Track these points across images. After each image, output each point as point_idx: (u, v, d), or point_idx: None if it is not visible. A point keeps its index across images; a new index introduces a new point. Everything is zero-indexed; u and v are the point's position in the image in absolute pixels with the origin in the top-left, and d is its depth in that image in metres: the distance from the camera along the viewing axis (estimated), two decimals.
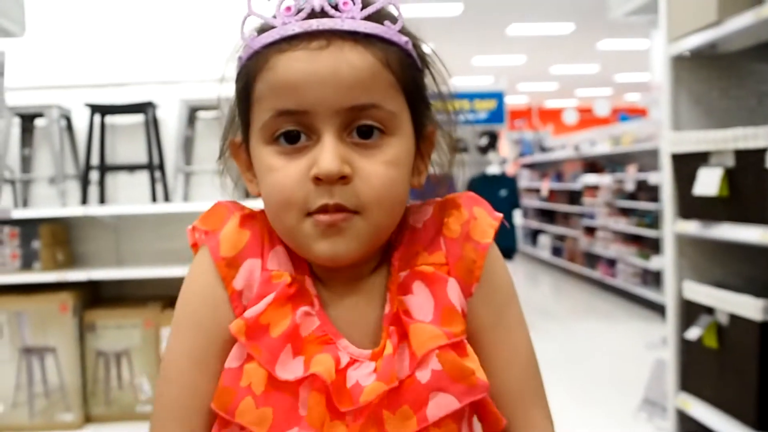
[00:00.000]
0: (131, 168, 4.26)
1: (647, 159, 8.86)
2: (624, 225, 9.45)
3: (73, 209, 4.04)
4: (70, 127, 4.28)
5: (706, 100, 3.27)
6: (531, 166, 14.79)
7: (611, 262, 9.98)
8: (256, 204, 1.08)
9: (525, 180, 14.63)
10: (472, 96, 9.58)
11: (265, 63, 0.94)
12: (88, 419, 3.95)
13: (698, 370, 3.10)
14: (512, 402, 1.02)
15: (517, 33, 13.61)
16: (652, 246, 8.65)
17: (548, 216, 13.60)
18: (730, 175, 2.77)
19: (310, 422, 0.94)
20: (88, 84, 4.33)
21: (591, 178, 10.64)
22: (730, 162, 2.76)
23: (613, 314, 8.91)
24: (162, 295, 4.21)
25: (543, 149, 14.36)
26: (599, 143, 10.90)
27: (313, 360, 0.95)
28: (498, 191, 8.31)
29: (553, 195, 12.92)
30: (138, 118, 4.25)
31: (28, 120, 4.26)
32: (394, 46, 0.96)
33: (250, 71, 0.97)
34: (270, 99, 0.94)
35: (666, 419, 3.59)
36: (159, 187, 4.21)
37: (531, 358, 1.05)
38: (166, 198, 4.22)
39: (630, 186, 9.16)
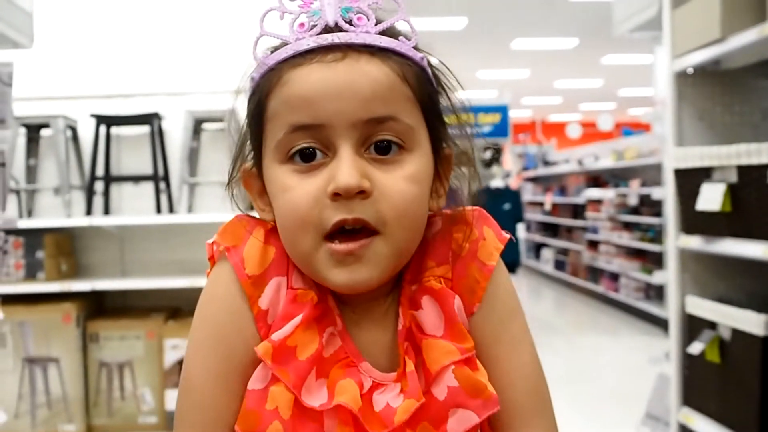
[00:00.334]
0: (136, 179, 4.27)
1: (650, 174, 8.87)
2: (627, 239, 9.46)
3: (78, 220, 4.06)
4: (75, 137, 4.30)
5: (709, 116, 3.28)
6: (534, 180, 14.80)
7: (614, 277, 9.97)
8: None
9: (528, 193, 14.64)
10: (476, 109, 9.57)
11: (279, 79, 0.92)
12: (90, 430, 3.96)
13: (701, 384, 3.10)
14: (517, 417, 1.01)
15: (522, 47, 13.64)
16: (655, 261, 8.65)
17: (551, 230, 13.60)
18: (733, 191, 2.77)
19: None
20: (94, 95, 4.35)
21: (594, 193, 10.65)
22: (733, 177, 2.77)
23: (616, 329, 8.89)
24: (165, 306, 4.22)
25: (546, 163, 14.37)
26: (603, 158, 10.92)
27: (337, 386, 0.93)
28: (501, 204, 8.33)
29: (557, 209, 12.93)
30: (143, 129, 4.27)
31: (33, 130, 4.28)
32: (409, 61, 0.94)
33: (263, 89, 0.94)
34: (284, 114, 0.91)
35: None
36: (164, 198, 4.22)
37: (536, 373, 1.03)
38: (171, 209, 4.23)
39: (633, 200, 9.17)
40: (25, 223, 3.95)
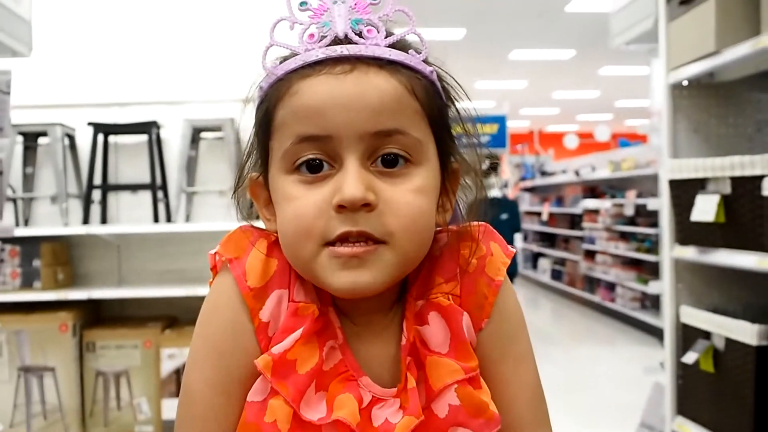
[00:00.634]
0: (134, 187, 4.28)
1: (647, 184, 8.90)
2: (623, 249, 9.48)
3: (75, 228, 4.06)
4: (73, 145, 4.30)
5: (704, 128, 3.30)
6: (532, 190, 14.83)
7: (611, 286, 9.99)
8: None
9: (526, 204, 14.66)
10: (475, 120, 9.60)
11: (288, 89, 0.92)
12: None
13: (695, 394, 3.11)
14: (520, 430, 1.02)
15: (520, 58, 13.68)
16: (651, 271, 8.67)
17: (548, 240, 13.62)
18: (726, 202, 2.79)
19: None
20: (92, 103, 4.36)
21: (591, 203, 10.67)
22: (727, 189, 2.78)
23: (613, 338, 8.90)
24: (163, 315, 4.22)
25: (544, 173, 14.40)
26: (599, 168, 10.94)
27: (336, 401, 0.93)
28: (499, 215, 8.34)
29: (554, 219, 12.94)
30: (141, 138, 4.27)
31: (31, 138, 4.28)
32: (418, 74, 0.94)
33: (271, 98, 0.94)
34: (292, 125, 0.91)
35: None
36: (161, 207, 4.22)
37: (538, 389, 1.04)
38: (168, 218, 4.24)
39: (629, 211, 9.20)
40: (21, 232, 3.95)
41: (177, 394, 1.07)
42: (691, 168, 2.97)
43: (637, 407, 4.72)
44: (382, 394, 0.96)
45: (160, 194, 4.22)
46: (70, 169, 4.28)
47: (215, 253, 0.99)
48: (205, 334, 0.98)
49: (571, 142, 19.50)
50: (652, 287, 8.25)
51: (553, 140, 23.14)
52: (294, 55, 0.93)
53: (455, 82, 1.01)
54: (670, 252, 3.23)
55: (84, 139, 4.29)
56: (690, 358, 3.02)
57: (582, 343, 8.97)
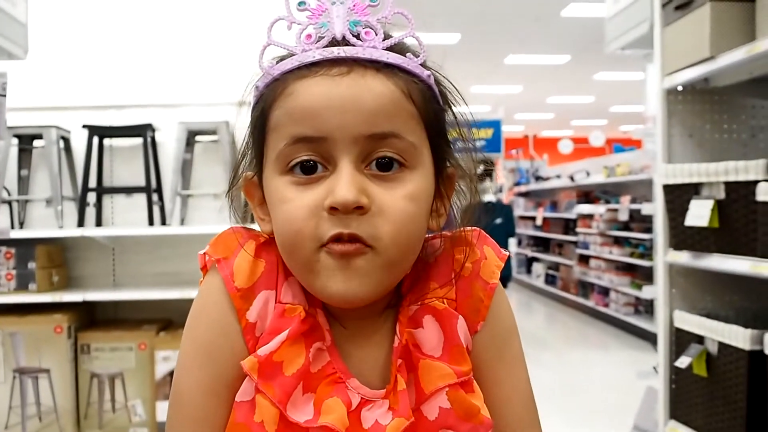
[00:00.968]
0: (129, 190, 4.27)
1: (641, 190, 8.92)
2: (617, 255, 9.50)
3: (70, 231, 4.06)
4: (68, 148, 4.30)
5: (699, 133, 3.31)
6: (526, 195, 14.84)
7: (604, 291, 10.00)
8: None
9: (520, 208, 14.67)
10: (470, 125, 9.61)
11: (284, 89, 0.91)
12: None
13: (688, 398, 3.12)
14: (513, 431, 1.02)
15: (515, 63, 13.71)
16: (645, 276, 8.69)
17: (542, 244, 13.64)
18: (720, 207, 2.80)
19: None
20: (88, 106, 4.35)
21: (585, 208, 10.69)
22: (721, 194, 2.80)
23: (606, 343, 8.92)
24: (157, 317, 4.22)
25: (538, 178, 14.41)
26: (594, 173, 10.96)
27: (323, 405, 0.93)
28: (493, 219, 8.35)
29: (548, 224, 12.96)
30: (136, 141, 4.27)
31: (26, 141, 4.27)
32: (415, 78, 0.93)
33: (267, 98, 0.94)
34: (287, 125, 0.91)
35: None
36: (156, 210, 4.22)
37: (529, 393, 1.05)
38: (163, 221, 4.23)
39: (623, 216, 9.21)
40: (17, 234, 3.95)
41: None
42: (685, 173, 2.99)
43: (630, 411, 4.73)
44: (371, 395, 0.96)
45: (155, 197, 4.22)
46: (65, 172, 4.27)
47: (204, 253, 0.99)
48: (193, 335, 0.98)
49: (566, 147, 19.53)
50: (646, 292, 8.26)
51: (548, 145, 23.19)
52: (291, 55, 0.93)
53: (452, 87, 1.00)
54: (664, 256, 3.25)
55: (79, 142, 4.28)
56: (683, 362, 3.03)
57: (575, 347, 8.98)
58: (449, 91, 1.00)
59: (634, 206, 8.83)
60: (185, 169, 4.31)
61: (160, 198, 4.27)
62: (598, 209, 10.12)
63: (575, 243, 11.22)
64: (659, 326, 3.35)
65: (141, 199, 4.23)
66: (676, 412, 3.23)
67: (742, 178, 2.68)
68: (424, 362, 0.96)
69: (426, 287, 1.00)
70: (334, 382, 0.95)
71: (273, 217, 0.95)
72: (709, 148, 3.30)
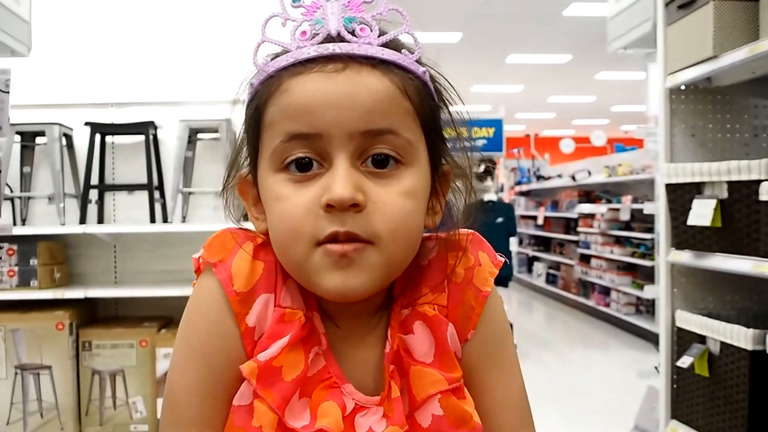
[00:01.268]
0: (131, 188, 4.28)
1: (642, 189, 8.92)
2: (618, 254, 9.50)
3: (72, 228, 4.06)
4: (70, 145, 4.30)
5: (701, 132, 3.31)
6: (527, 194, 14.84)
7: (605, 291, 10.00)
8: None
9: (521, 208, 14.67)
10: (470, 123, 9.60)
11: (279, 86, 0.90)
12: None
13: (689, 398, 3.12)
14: None
15: (516, 62, 13.71)
16: (646, 275, 8.69)
17: (543, 244, 13.64)
18: (723, 206, 2.80)
19: None
20: (90, 103, 4.35)
21: (586, 207, 10.69)
22: (724, 193, 2.80)
23: (607, 343, 8.92)
24: (158, 315, 4.23)
25: (540, 178, 14.41)
26: (595, 173, 10.96)
27: (319, 409, 0.93)
28: (494, 218, 8.34)
29: (549, 223, 12.96)
30: (138, 138, 4.27)
31: (29, 138, 4.27)
32: (411, 74, 0.92)
33: (262, 96, 0.93)
34: (282, 122, 0.90)
35: None
36: (158, 208, 4.22)
37: (523, 399, 1.04)
38: (165, 219, 4.24)
39: (625, 216, 9.21)
40: (19, 231, 3.95)
41: None
42: (687, 172, 2.99)
43: (631, 411, 4.73)
44: (365, 402, 0.96)
45: (156, 194, 4.22)
46: (68, 169, 4.27)
47: (199, 256, 0.97)
48: (188, 338, 0.97)
49: (567, 147, 19.51)
50: (647, 292, 8.23)
51: (549, 144, 23.17)
52: (286, 52, 0.92)
53: (448, 84, 1.00)
54: (666, 256, 3.25)
55: (81, 139, 4.28)
56: (685, 362, 3.03)
57: (576, 347, 8.98)
58: (445, 89, 1.00)
59: (636, 206, 8.82)
60: (187, 166, 4.31)
61: (162, 195, 4.28)
62: (600, 209, 10.11)
63: (576, 242, 11.22)
64: (661, 326, 3.35)
65: (143, 196, 4.23)
66: (677, 412, 3.23)
67: (744, 177, 2.68)
68: (415, 368, 0.96)
69: (417, 292, 0.99)
70: (330, 386, 0.95)
71: (268, 216, 0.94)
72: (711, 148, 3.30)
